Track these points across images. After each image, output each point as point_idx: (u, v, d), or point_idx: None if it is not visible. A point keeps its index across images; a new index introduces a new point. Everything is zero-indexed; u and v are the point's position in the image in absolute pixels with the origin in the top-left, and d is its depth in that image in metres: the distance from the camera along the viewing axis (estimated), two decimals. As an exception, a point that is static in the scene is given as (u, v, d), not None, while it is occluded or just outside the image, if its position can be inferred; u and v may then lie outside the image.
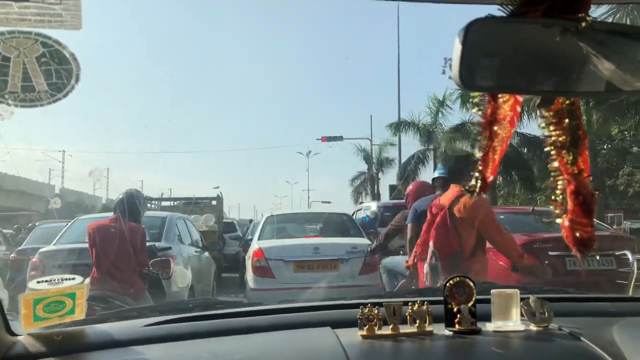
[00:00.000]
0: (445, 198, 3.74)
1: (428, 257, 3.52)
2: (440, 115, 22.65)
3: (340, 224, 7.74)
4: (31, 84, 1.04)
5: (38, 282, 1.27)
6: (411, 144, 25.80)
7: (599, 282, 5.47)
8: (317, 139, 29.87)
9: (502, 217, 6.75)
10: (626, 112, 16.61)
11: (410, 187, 5.30)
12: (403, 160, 23.81)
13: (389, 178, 28.98)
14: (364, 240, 7.08)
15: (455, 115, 25.23)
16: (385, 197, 22.55)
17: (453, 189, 3.73)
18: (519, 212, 7.74)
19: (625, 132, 20.27)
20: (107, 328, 1.36)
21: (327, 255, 6.63)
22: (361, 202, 23.44)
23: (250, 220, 19.68)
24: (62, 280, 1.29)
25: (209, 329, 1.36)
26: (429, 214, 3.75)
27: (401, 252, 5.28)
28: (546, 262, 5.62)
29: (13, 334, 1.26)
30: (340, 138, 29.22)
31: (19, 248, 9.21)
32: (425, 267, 3.53)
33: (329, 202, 35.71)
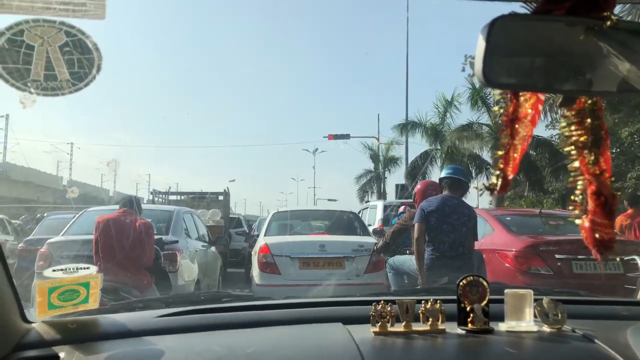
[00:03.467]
0: None
1: None
2: (448, 115, 22.56)
3: (346, 222, 7.73)
4: (53, 73, 1.04)
5: (54, 270, 1.28)
6: (418, 143, 25.76)
7: (606, 286, 5.43)
8: (324, 137, 29.81)
9: (508, 218, 6.74)
10: (637, 115, 16.46)
11: (418, 187, 5.29)
12: (410, 159, 23.75)
13: (395, 177, 28.94)
14: (370, 239, 7.06)
15: (463, 115, 25.15)
16: (391, 196, 22.50)
17: None
18: (526, 214, 7.70)
19: (635, 136, 20.12)
20: (120, 318, 1.37)
21: (333, 253, 6.62)
22: (367, 201, 23.41)
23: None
24: (77, 269, 1.29)
25: (221, 322, 1.37)
26: None
27: (407, 252, 5.27)
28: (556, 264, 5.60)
29: (27, 322, 1.27)
30: (347, 136, 29.14)
31: (27, 238, 9.25)
32: None
33: (335, 200, 35.69)
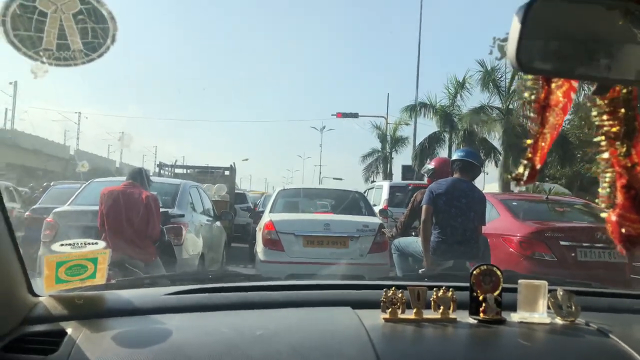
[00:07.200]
0: None
1: None
2: (458, 97, 22.34)
3: (352, 202, 7.72)
4: (66, 42, 1.00)
5: (62, 244, 1.26)
6: (427, 124, 25.54)
7: (610, 275, 5.41)
8: (332, 115, 29.66)
9: (514, 203, 6.69)
10: None
11: (436, 162, 5.18)
12: (418, 141, 23.61)
13: (402, 158, 28.84)
14: (375, 219, 7.05)
15: (474, 98, 24.95)
16: (397, 177, 22.45)
17: None
18: (533, 200, 7.65)
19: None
20: (127, 295, 1.36)
21: (337, 232, 6.63)
22: (373, 181, 23.37)
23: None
24: (85, 244, 1.28)
25: (229, 302, 1.35)
26: None
27: (413, 233, 5.24)
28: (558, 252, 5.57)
29: (35, 295, 1.26)
30: (356, 115, 28.98)
31: (34, 207, 9.29)
32: None
33: (341, 179, 35.71)
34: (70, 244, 1.26)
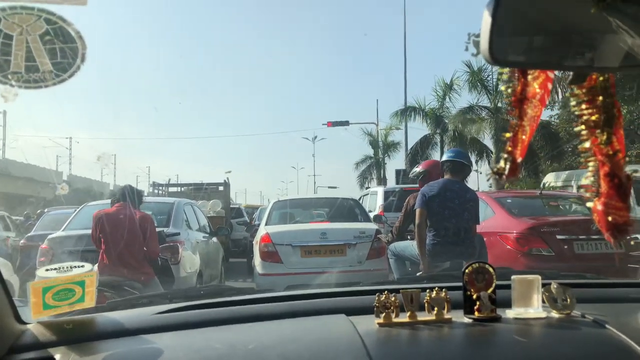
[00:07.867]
0: None
1: None
2: (447, 99, 22.45)
3: (347, 209, 7.72)
4: (35, 64, 0.99)
5: (47, 269, 1.24)
6: (418, 128, 25.69)
7: (609, 266, 5.41)
8: (322, 124, 29.71)
9: (509, 201, 6.70)
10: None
11: (425, 165, 5.16)
12: (410, 145, 23.70)
13: (395, 163, 28.89)
14: (371, 225, 7.05)
15: (463, 99, 25.09)
16: (391, 182, 22.46)
17: None
18: (527, 196, 7.66)
19: (634, 114, 20.03)
20: (117, 316, 1.34)
21: (334, 241, 6.62)
22: (367, 187, 23.37)
23: None
24: (71, 267, 1.25)
25: (221, 317, 1.33)
26: None
27: (408, 237, 5.23)
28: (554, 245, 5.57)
29: (22, 322, 1.24)
30: (347, 123, 29.02)
31: (28, 234, 9.23)
32: None
33: (336, 187, 35.75)
34: (55, 269, 1.24)
